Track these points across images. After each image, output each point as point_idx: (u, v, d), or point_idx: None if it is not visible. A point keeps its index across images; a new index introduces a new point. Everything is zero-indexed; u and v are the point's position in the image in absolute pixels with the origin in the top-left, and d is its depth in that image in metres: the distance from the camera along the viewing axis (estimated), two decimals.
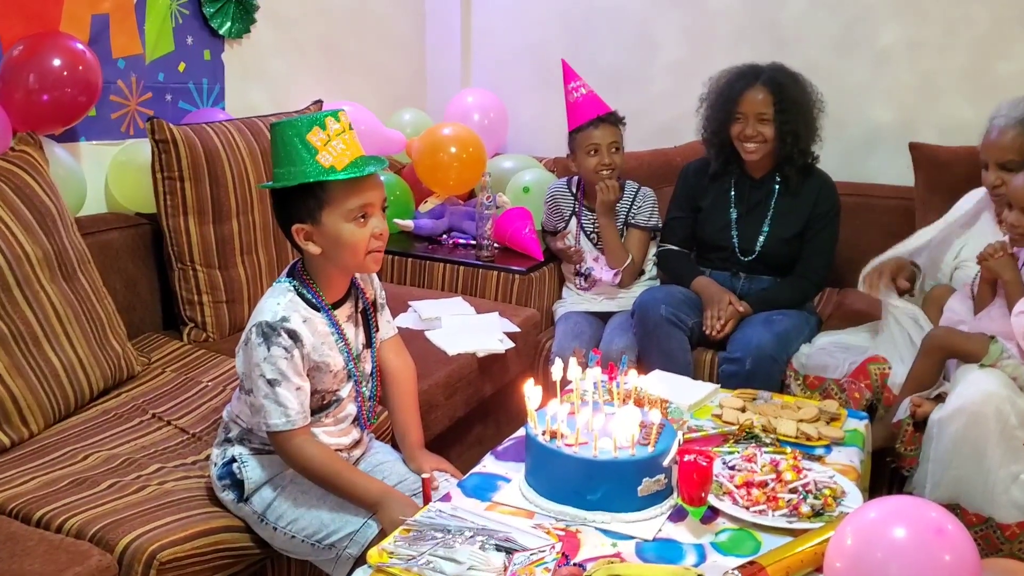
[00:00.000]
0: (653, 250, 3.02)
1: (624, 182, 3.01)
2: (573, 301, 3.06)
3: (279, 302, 1.74)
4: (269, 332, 1.70)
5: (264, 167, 2.66)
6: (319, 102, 2.99)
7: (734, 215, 2.83)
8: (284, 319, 1.71)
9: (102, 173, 2.67)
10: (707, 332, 2.66)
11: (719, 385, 2.28)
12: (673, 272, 2.91)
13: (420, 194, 3.50)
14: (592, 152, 2.89)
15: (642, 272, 3.02)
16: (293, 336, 1.71)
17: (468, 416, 2.65)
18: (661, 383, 2.11)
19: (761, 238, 2.79)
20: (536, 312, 2.99)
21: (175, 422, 2.06)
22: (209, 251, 2.55)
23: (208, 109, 2.96)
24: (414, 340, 2.51)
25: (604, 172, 2.88)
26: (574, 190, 3.09)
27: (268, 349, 1.69)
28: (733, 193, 2.85)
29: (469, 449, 2.65)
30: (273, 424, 1.70)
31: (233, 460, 1.84)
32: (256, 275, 2.65)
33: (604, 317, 2.98)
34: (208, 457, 1.92)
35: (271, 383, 1.69)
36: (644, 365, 2.62)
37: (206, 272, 2.55)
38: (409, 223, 3.36)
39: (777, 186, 2.80)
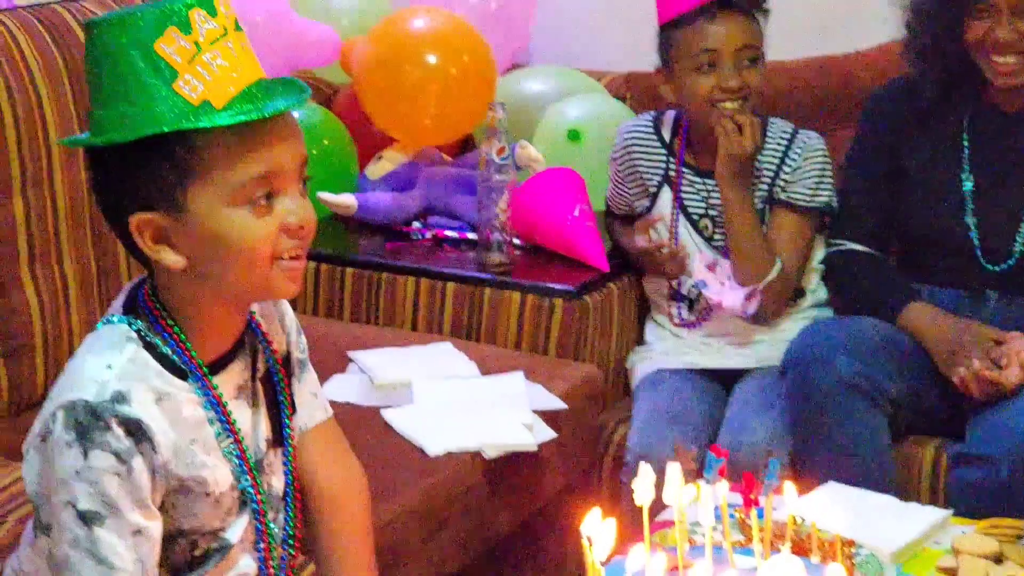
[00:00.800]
0: (822, 251, 3.10)
1: (766, 120, 3.08)
2: (667, 349, 3.14)
3: (110, 364, 1.75)
4: (90, 424, 1.71)
5: (76, 98, 2.75)
6: None
7: (969, 185, 2.91)
8: (119, 398, 1.73)
9: None
10: (964, 387, 2.74)
11: (950, 511, 2.34)
12: (860, 293, 2.99)
13: (369, 145, 3.60)
14: (706, 65, 2.97)
15: (800, 292, 3.09)
16: (135, 431, 1.73)
17: (468, 572, 2.69)
18: (840, 508, 2.12)
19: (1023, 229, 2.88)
20: (596, 371, 3.07)
21: None
22: None
23: None
24: (362, 426, 2.58)
25: (728, 103, 2.96)
26: (667, 136, 3.17)
27: (85, 455, 1.71)
28: (967, 144, 2.93)
29: None
30: None
31: None
32: (60, 301, 2.74)
33: (727, 379, 3.06)
34: None
35: (86, 519, 1.71)
36: (806, 471, 2.67)
37: None
38: (349, 200, 3.45)
39: None
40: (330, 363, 2.83)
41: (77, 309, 2.76)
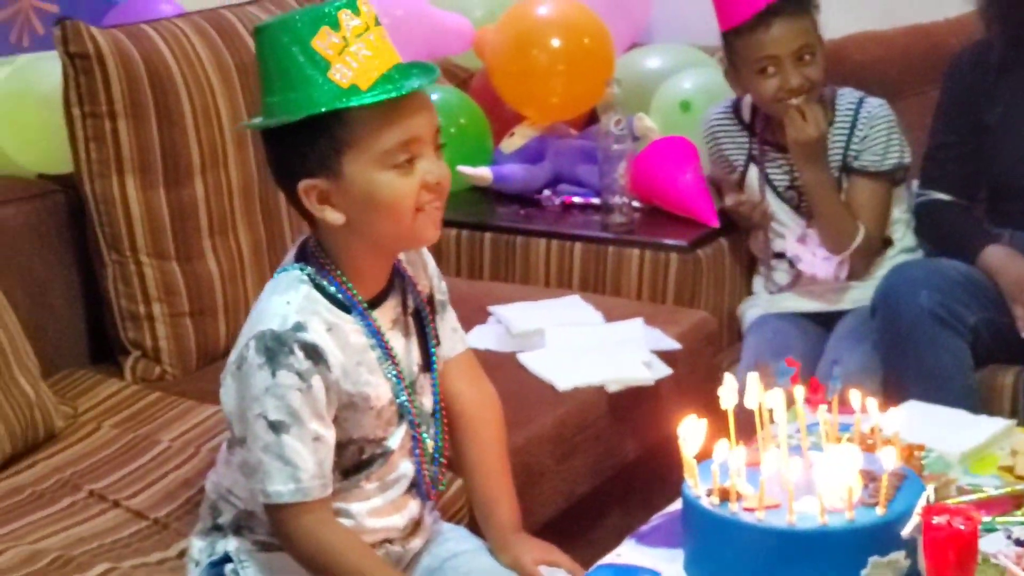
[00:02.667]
0: (901, 206, 3.28)
1: (835, 92, 3.25)
2: (773, 296, 3.36)
3: (289, 300, 2.00)
4: (276, 348, 1.97)
5: (244, 91, 3.01)
6: None
7: None
8: (299, 327, 1.98)
9: None
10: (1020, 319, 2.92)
11: (1015, 420, 2.52)
12: (944, 238, 3.17)
13: (502, 123, 3.82)
14: (766, 71, 3.14)
15: (888, 242, 3.28)
16: (313, 354, 1.97)
17: (598, 493, 2.94)
18: (918, 420, 2.34)
19: None
20: (710, 316, 3.27)
21: (126, 503, 2.42)
22: (161, 232, 2.91)
23: None
24: (500, 369, 2.75)
25: (792, 100, 3.13)
26: (746, 118, 3.37)
27: (273, 374, 1.97)
28: None
29: (601, 545, 2.93)
30: (275, 492, 2.00)
31: (226, 559, 2.09)
32: (236, 268, 3.02)
33: (826, 320, 3.27)
34: (182, 553, 2.26)
35: (275, 427, 1.97)
36: (896, 397, 2.78)
37: (157, 267, 2.92)
38: (485, 172, 3.70)
39: None
40: (472, 316, 2.99)
41: (251, 274, 3.03)
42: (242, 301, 3.03)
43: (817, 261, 3.22)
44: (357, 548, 2.06)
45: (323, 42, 1.95)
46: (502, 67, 3.73)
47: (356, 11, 1.98)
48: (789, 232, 3.27)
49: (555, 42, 3.66)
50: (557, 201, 3.68)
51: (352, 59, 1.96)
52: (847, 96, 3.27)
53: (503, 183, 3.71)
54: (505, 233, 3.56)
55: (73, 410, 2.76)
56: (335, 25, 1.96)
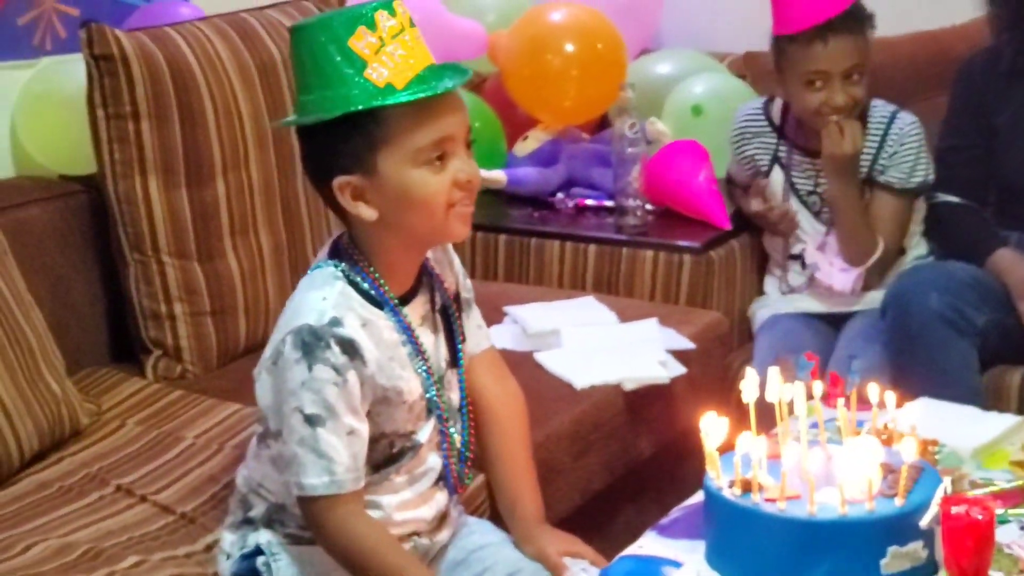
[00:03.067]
0: (916, 217, 3.31)
1: (869, 103, 3.27)
2: (784, 297, 3.40)
3: (325, 296, 2.06)
4: (313, 343, 2.02)
5: (264, 92, 3.07)
6: None
7: None
8: (335, 322, 2.03)
9: (5, 113, 3.11)
10: None
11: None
12: (954, 240, 3.22)
13: (515, 126, 3.86)
14: (813, 84, 3.15)
15: (901, 251, 3.32)
16: (349, 349, 2.03)
17: (612, 490, 2.98)
18: (930, 416, 2.35)
19: None
20: (722, 317, 3.32)
21: (153, 497, 2.46)
22: (183, 232, 2.95)
23: (164, 1, 3.40)
24: (518, 368, 2.74)
25: (834, 116, 3.16)
26: (776, 119, 3.40)
27: (310, 369, 2.02)
28: None
29: (614, 540, 2.96)
30: (309, 485, 2.04)
31: (258, 552, 2.14)
32: (257, 268, 3.06)
33: (837, 321, 3.31)
34: (210, 547, 2.31)
35: (310, 421, 2.02)
36: (903, 392, 2.85)
37: (178, 266, 2.96)
38: (499, 175, 3.73)
39: None
40: (488, 316, 2.89)
41: (271, 274, 3.07)
42: (262, 300, 3.07)
43: (835, 272, 3.26)
44: (387, 542, 2.10)
45: (360, 42, 2.00)
46: (516, 71, 3.77)
47: (392, 12, 2.02)
48: (808, 237, 3.31)
49: (568, 47, 3.71)
50: (571, 204, 3.72)
51: (388, 59, 2.00)
52: (879, 109, 3.29)
53: (517, 186, 3.74)
54: (519, 235, 3.60)
55: (97, 407, 2.80)
56: (372, 25, 2.00)
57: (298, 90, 2.09)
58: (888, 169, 3.24)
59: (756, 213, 3.40)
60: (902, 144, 3.23)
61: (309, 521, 2.10)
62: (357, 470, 2.07)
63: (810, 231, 3.33)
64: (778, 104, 3.38)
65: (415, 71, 2.02)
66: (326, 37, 2.02)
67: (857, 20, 3.15)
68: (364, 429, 2.08)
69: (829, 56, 3.11)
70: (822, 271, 3.28)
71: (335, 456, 2.03)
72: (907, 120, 3.26)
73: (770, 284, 3.48)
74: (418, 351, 2.15)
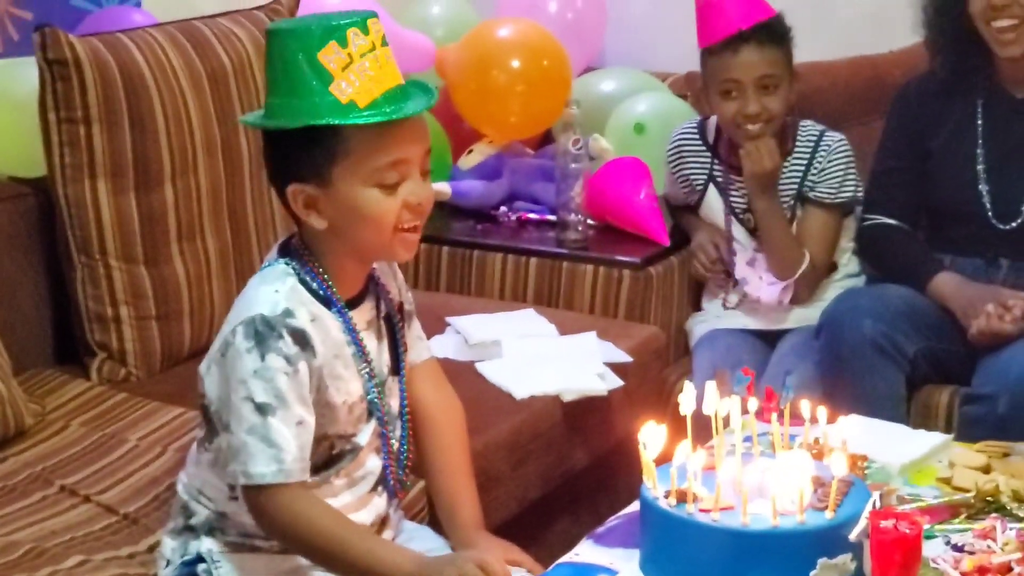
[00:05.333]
0: (848, 235, 3.36)
1: (797, 123, 3.34)
2: (721, 313, 3.44)
3: (277, 289, 2.07)
4: (266, 332, 2.04)
5: (215, 100, 3.08)
6: None
7: (982, 161, 3.19)
8: (288, 313, 2.06)
9: None
10: (976, 331, 3.00)
11: (952, 435, 2.62)
12: (890, 264, 3.28)
13: (461, 140, 3.87)
14: (729, 94, 3.21)
15: (833, 267, 3.37)
16: (300, 340, 2.05)
17: (548, 499, 3.00)
18: (861, 432, 2.40)
19: None
20: (659, 331, 3.36)
21: (96, 498, 2.46)
22: (130, 236, 2.96)
23: (117, 7, 3.42)
24: (459, 377, 2.75)
25: (749, 126, 3.21)
26: (710, 139, 3.44)
27: (262, 358, 2.03)
28: (980, 123, 3.21)
29: (551, 548, 2.97)
30: (257, 473, 2.04)
31: (199, 560, 2.15)
32: (203, 273, 3.06)
33: (772, 337, 3.35)
34: (152, 548, 2.31)
35: (261, 410, 2.03)
36: (831, 410, 2.93)
37: (125, 270, 2.96)
38: (445, 187, 3.74)
39: None
40: (430, 326, 2.93)
41: (217, 279, 3.08)
42: (208, 305, 3.07)
43: (763, 285, 3.30)
44: (337, 519, 2.10)
45: (329, 56, 2.02)
46: (462, 85, 3.78)
47: (365, 31, 2.04)
48: (739, 257, 3.35)
49: (514, 63, 3.72)
50: (513, 217, 3.75)
51: (355, 77, 2.02)
52: (808, 129, 3.35)
53: (461, 198, 3.76)
54: (462, 247, 3.62)
55: (41, 408, 2.79)
56: (343, 42, 2.02)
57: (268, 91, 2.12)
58: (817, 185, 3.29)
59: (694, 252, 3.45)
60: (830, 161, 3.29)
61: (256, 512, 2.10)
62: (304, 460, 2.07)
63: (747, 246, 3.36)
64: (712, 123, 3.42)
65: (382, 90, 2.04)
66: (297, 46, 2.04)
67: (771, 33, 3.21)
68: (312, 421, 2.09)
69: (740, 65, 3.17)
70: (751, 285, 3.32)
71: (284, 445, 2.04)
72: (835, 138, 3.33)
73: (707, 300, 3.51)
74: (362, 353, 2.16)
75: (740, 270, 3.34)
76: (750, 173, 3.23)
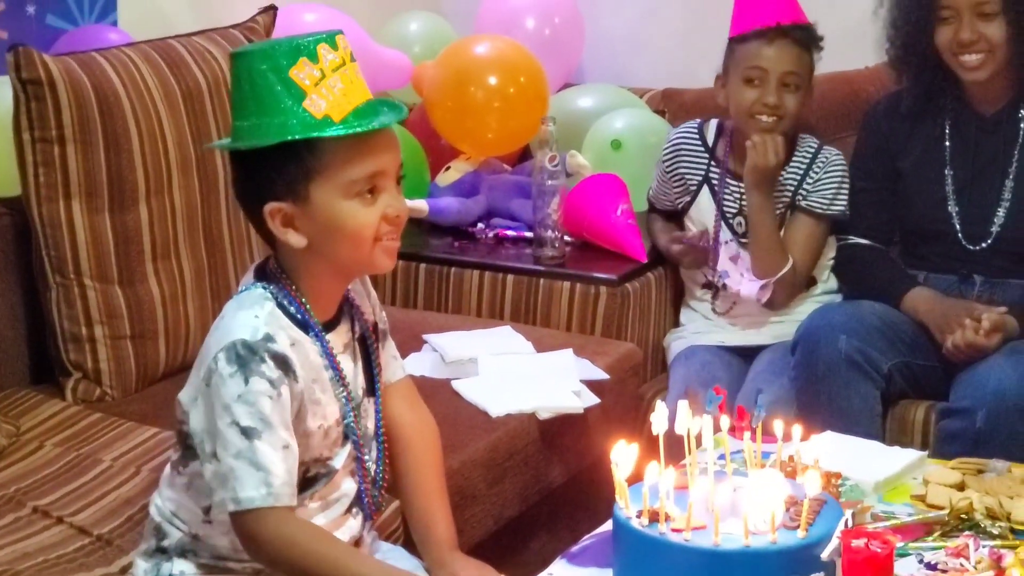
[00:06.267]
0: (830, 253, 3.39)
1: (798, 136, 3.37)
2: (698, 329, 3.45)
3: (256, 314, 2.07)
4: (248, 356, 2.04)
5: (190, 119, 3.08)
6: (272, 9, 3.42)
7: (951, 180, 3.23)
8: (269, 338, 2.06)
9: None
10: (950, 345, 3.02)
11: (926, 452, 2.63)
12: (865, 283, 3.30)
13: (438, 157, 3.88)
14: (753, 81, 3.25)
15: (812, 281, 3.40)
16: (282, 364, 2.05)
17: (525, 517, 3.00)
18: (835, 450, 2.44)
19: (1000, 213, 3.18)
20: (636, 348, 3.37)
21: (69, 519, 2.45)
22: (105, 256, 2.95)
23: (93, 26, 3.41)
24: (435, 395, 2.83)
25: (764, 118, 3.25)
26: (710, 140, 3.46)
27: (246, 382, 2.03)
28: (949, 144, 3.23)
29: (528, 567, 2.97)
30: (246, 498, 2.02)
31: None
32: (178, 293, 3.06)
33: (749, 354, 3.37)
34: (124, 569, 2.30)
35: (247, 433, 2.02)
36: (806, 426, 2.89)
37: (100, 290, 2.95)
38: (421, 204, 3.75)
39: (1023, 127, 3.17)
40: (407, 344, 3.04)
41: (192, 299, 3.07)
42: (183, 325, 3.06)
43: (744, 281, 3.33)
44: (325, 538, 2.09)
45: (301, 72, 2.03)
46: (439, 103, 3.80)
47: (334, 46, 2.06)
48: (723, 251, 3.37)
49: (491, 80, 3.74)
50: (490, 234, 3.75)
51: (328, 91, 2.04)
52: (807, 141, 3.40)
53: (438, 215, 3.77)
54: (439, 264, 3.62)
55: (16, 428, 2.78)
56: (314, 57, 2.04)
57: (234, 115, 2.11)
58: (810, 194, 3.33)
59: (673, 253, 3.47)
60: (826, 172, 3.33)
61: (246, 538, 2.08)
62: (292, 485, 2.07)
63: (727, 246, 3.39)
64: (712, 126, 3.46)
65: (353, 105, 2.06)
66: (267, 66, 2.04)
67: (806, 35, 3.27)
68: (295, 446, 2.08)
69: (769, 55, 3.23)
70: (731, 278, 3.35)
71: (272, 468, 2.03)
72: (833, 152, 3.38)
73: (685, 316, 3.52)
74: (339, 377, 2.17)
75: (722, 263, 3.37)
76: (752, 165, 3.25)
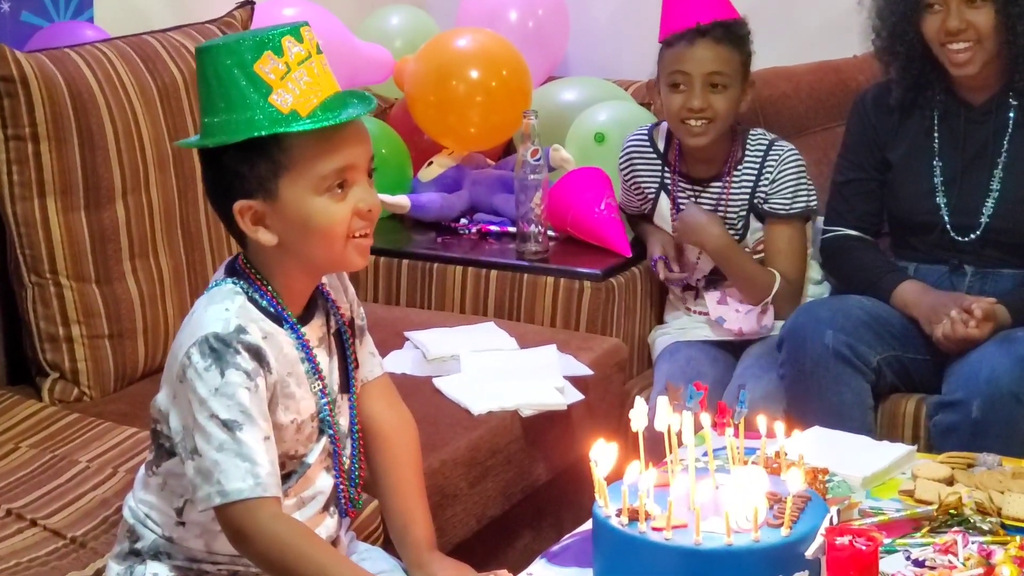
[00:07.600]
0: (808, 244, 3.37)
1: (747, 132, 3.35)
2: (684, 324, 3.43)
3: (227, 308, 2.05)
4: (222, 349, 2.01)
5: (166, 115, 3.05)
6: (249, 4, 3.39)
7: (940, 172, 3.21)
8: (241, 330, 2.03)
9: None
10: (940, 335, 3.00)
11: (915, 446, 2.61)
12: (854, 275, 3.28)
13: (420, 152, 3.87)
14: (678, 85, 3.24)
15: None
16: (256, 356, 2.03)
17: (509, 515, 2.98)
18: (822, 445, 2.43)
19: (989, 203, 3.17)
20: (621, 343, 3.35)
21: (43, 522, 2.41)
22: (81, 254, 2.92)
23: (68, 23, 3.39)
24: (416, 393, 2.82)
25: (692, 122, 3.23)
26: (661, 145, 3.45)
27: (223, 374, 2.00)
28: (937, 136, 3.22)
29: (512, 566, 2.94)
30: (234, 490, 1.99)
31: None
32: (157, 291, 3.03)
33: (735, 349, 3.35)
34: (99, 572, 2.26)
35: (228, 426, 1.99)
36: (796, 422, 2.84)
37: (76, 289, 2.92)
38: (403, 200, 3.72)
39: (1012, 115, 3.16)
40: (389, 341, 3.06)
41: (171, 297, 3.04)
42: (161, 324, 3.04)
43: (741, 316, 3.31)
44: (313, 539, 2.06)
45: (266, 66, 2.01)
46: (421, 97, 3.78)
47: (299, 38, 2.03)
48: (709, 297, 3.36)
49: (473, 74, 3.72)
50: (473, 229, 3.74)
51: (294, 85, 2.01)
52: (758, 137, 3.37)
53: (420, 211, 3.75)
54: (422, 260, 3.60)
55: None
56: (278, 51, 2.01)
57: (202, 112, 2.08)
58: (771, 196, 3.31)
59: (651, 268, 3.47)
60: (779, 172, 3.31)
61: (233, 532, 2.04)
62: (277, 476, 2.04)
63: (709, 295, 3.38)
64: (663, 129, 3.44)
65: (320, 98, 2.03)
66: (232, 60, 2.02)
67: (728, 33, 3.24)
68: (273, 439, 2.06)
69: (691, 58, 3.21)
70: (729, 321, 3.33)
71: (257, 459, 2.00)
72: (785, 147, 3.34)
73: (670, 311, 3.51)
74: (316, 369, 2.14)
75: (714, 310, 3.34)
76: (682, 238, 3.31)
